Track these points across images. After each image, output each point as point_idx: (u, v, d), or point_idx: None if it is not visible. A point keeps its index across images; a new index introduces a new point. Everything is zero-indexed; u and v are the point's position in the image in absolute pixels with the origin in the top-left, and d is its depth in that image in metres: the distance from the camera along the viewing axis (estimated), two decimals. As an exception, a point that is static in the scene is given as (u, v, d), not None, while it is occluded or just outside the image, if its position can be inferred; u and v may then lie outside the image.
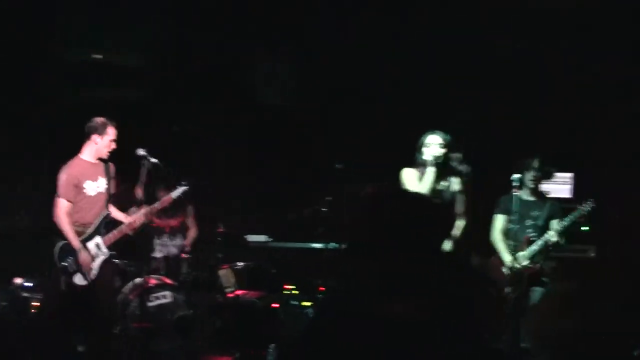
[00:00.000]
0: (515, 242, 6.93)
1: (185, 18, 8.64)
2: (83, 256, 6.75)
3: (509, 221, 7.01)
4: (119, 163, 7.07)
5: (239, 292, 8.16)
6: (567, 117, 8.88)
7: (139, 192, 7.75)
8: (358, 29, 8.84)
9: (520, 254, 6.87)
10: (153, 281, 7.43)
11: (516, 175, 6.83)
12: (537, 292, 6.92)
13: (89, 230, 6.87)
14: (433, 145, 6.34)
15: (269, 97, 9.28)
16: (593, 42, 8.40)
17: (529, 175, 6.95)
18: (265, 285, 8.43)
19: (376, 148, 7.73)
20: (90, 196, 6.89)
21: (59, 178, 6.83)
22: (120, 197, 7.27)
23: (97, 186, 6.93)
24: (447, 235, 1.75)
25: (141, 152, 6.92)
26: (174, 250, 8.41)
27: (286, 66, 9.25)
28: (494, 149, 8.58)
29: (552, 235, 6.77)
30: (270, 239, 9.15)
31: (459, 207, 6.39)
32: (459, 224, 6.35)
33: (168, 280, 7.66)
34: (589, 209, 6.77)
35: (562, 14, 8.34)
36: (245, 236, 9.17)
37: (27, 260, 8.41)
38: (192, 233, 8.61)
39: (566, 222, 6.80)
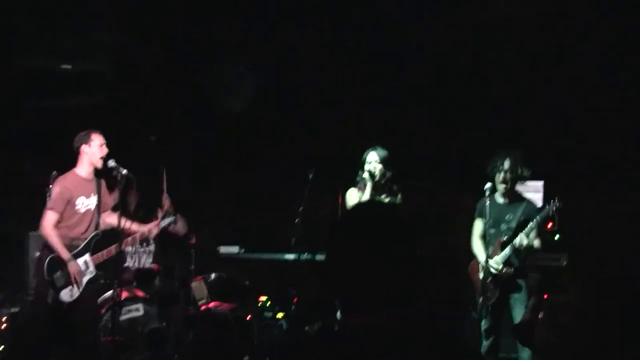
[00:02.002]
0: (492, 246, 6.84)
1: (145, 26, 8.60)
2: (73, 266, 6.76)
3: (486, 226, 6.90)
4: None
5: (212, 304, 8.08)
6: (539, 127, 8.91)
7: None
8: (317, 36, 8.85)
9: (495, 258, 6.77)
10: (125, 294, 7.34)
11: (488, 184, 6.81)
12: (515, 298, 6.82)
13: (79, 247, 6.87)
14: (372, 162, 6.67)
15: (234, 102, 9.22)
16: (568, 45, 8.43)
17: (499, 177, 6.81)
18: (238, 297, 8.36)
19: (347, 155, 7.73)
20: (80, 213, 6.93)
21: (52, 190, 6.86)
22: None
23: (88, 203, 6.98)
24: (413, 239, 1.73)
25: (112, 163, 6.89)
26: (144, 258, 8.30)
27: (249, 72, 9.21)
28: (466, 158, 8.60)
29: (522, 239, 6.60)
30: (242, 250, 9.09)
31: None
32: None
33: (140, 293, 7.58)
34: (555, 208, 6.59)
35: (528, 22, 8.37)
36: (218, 247, 9.12)
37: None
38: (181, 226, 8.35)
39: (534, 224, 6.63)
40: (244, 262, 9.03)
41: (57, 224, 6.81)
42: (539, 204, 8.48)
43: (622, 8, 7.89)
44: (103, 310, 7.21)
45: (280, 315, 8.23)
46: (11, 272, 8.22)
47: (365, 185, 6.65)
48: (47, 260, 6.78)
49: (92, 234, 6.98)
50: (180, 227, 8.28)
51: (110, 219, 7.18)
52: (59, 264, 6.77)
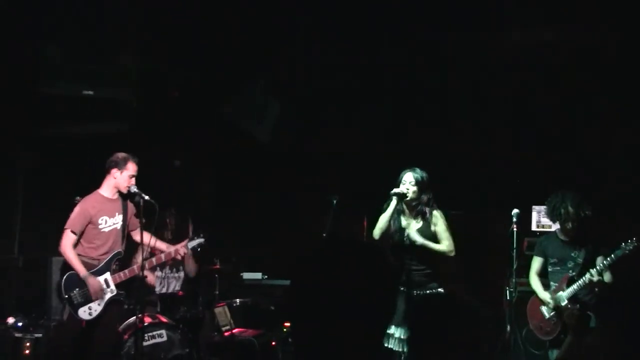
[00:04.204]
0: (556, 283, 6.74)
1: (169, 51, 8.60)
2: (92, 282, 6.72)
3: (550, 264, 6.83)
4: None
5: (236, 330, 8.01)
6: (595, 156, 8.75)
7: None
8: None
9: (560, 294, 6.66)
10: (148, 320, 7.27)
11: (516, 211, 6.68)
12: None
13: (99, 266, 6.84)
14: (407, 183, 6.42)
15: (258, 131, 9.19)
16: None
17: (565, 219, 6.65)
18: (263, 323, 8.28)
19: (371, 182, 7.64)
20: (104, 232, 6.93)
21: (73, 209, 6.86)
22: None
23: (113, 222, 6.97)
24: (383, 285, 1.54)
25: (134, 189, 6.86)
26: (174, 284, 8.25)
27: (275, 100, 9.19)
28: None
29: (594, 274, 6.44)
30: (265, 277, 9.03)
31: (445, 244, 6.45)
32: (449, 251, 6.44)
33: (163, 319, 7.50)
34: (632, 247, 6.41)
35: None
36: (241, 274, 9.06)
37: (19, 299, 8.33)
38: (192, 267, 8.36)
39: (609, 260, 6.45)
40: (268, 288, 8.95)
41: (77, 244, 6.80)
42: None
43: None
44: (126, 337, 7.14)
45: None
46: (34, 298, 8.21)
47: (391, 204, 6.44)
48: (64, 278, 6.79)
49: (114, 253, 6.95)
50: (191, 267, 8.24)
51: (138, 236, 7.06)
52: (77, 281, 6.75)
